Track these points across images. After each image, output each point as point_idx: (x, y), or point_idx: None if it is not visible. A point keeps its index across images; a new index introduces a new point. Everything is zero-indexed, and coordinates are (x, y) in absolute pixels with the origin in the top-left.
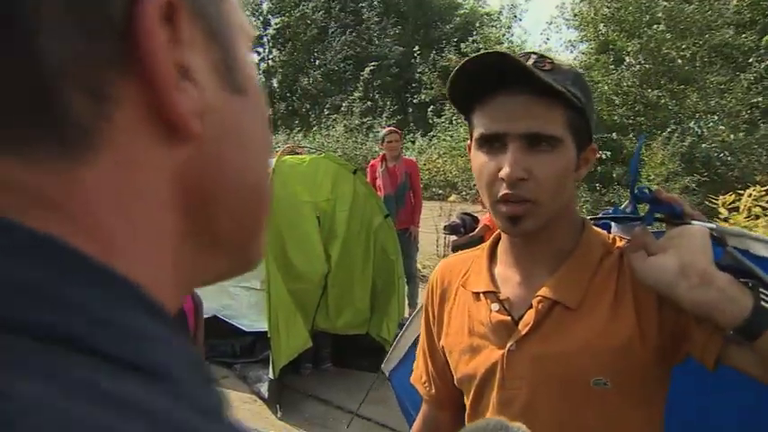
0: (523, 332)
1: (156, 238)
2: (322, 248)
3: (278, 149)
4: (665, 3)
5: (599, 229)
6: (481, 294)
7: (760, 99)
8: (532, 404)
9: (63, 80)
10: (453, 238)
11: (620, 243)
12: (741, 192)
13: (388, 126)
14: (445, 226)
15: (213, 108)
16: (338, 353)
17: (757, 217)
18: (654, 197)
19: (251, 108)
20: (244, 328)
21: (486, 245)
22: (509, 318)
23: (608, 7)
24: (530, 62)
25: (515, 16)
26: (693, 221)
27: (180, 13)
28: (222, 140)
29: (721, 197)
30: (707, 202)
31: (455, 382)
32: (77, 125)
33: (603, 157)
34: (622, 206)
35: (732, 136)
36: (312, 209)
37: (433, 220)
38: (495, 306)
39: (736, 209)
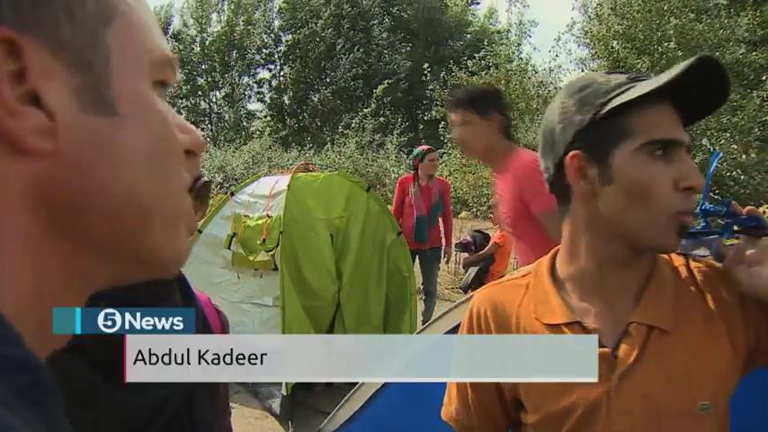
0: (629, 362)
1: (10, 241)
2: (334, 266)
3: (291, 167)
4: (676, 21)
5: None
6: (562, 326)
7: None
8: None
9: None
10: (465, 255)
11: (677, 259)
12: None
13: (402, 142)
14: (456, 243)
15: (71, 128)
16: None
17: None
18: (732, 210)
19: (127, 126)
20: None
21: (540, 270)
22: (606, 349)
23: (619, 24)
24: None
25: (525, 33)
26: None
27: (26, 50)
28: (84, 155)
29: None
30: (719, 220)
31: (532, 421)
32: None
33: None
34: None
35: (744, 156)
36: (325, 226)
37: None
38: None
39: None
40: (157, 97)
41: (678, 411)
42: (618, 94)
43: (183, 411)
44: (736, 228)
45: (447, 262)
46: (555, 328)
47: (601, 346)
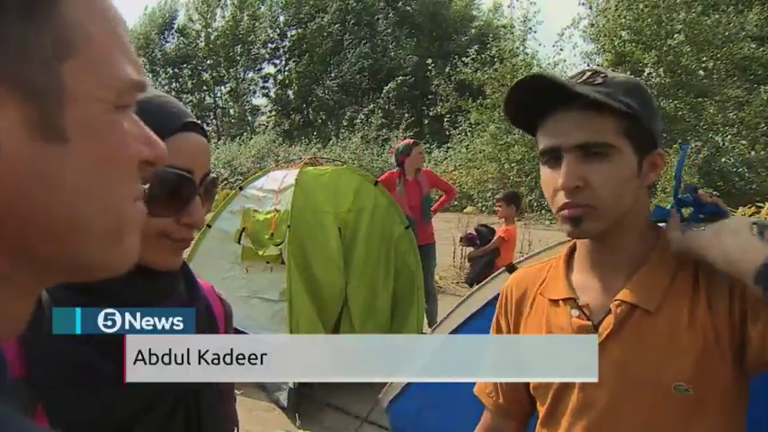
0: (604, 336)
1: None
2: (341, 260)
3: (298, 160)
4: (684, 15)
5: None
6: (560, 301)
7: None
8: (612, 408)
9: None
10: (470, 249)
11: None
12: (761, 204)
13: (406, 138)
14: (461, 238)
15: (18, 156)
16: None
17: None
18: (697, 199)
19: (76, 152)
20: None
21: (561, 253)
22: (589, 323)
23: (626, 18)
24: (583, 78)
25: (530, 29)
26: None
27: None
28: (27, 181)
29: (741, 209)
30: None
31: (531, 389)
32: None
33: None
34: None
35: (753, 152)
36: (333, 220)
37: (449, 231)
38: (575, 312)
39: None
40: (118, 118)
41: (650, 387)
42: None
43: (189, 394)
44: (701, 215)
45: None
46: (555, 303)
47: (587, 319)
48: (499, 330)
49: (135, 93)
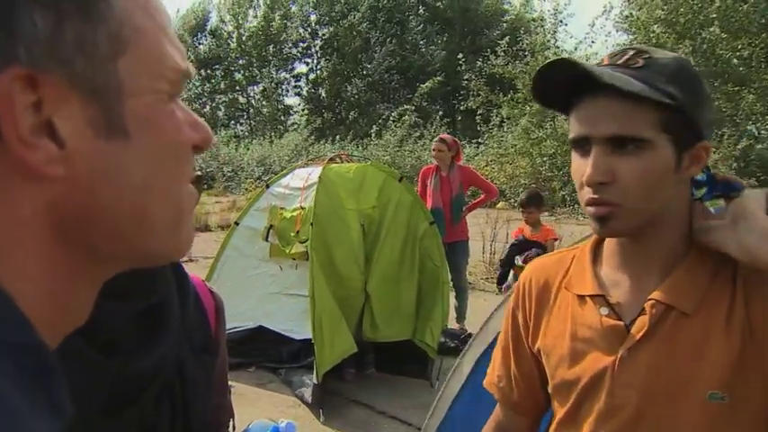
0: (637, 338)
1: (25, 250)
2: (363, 256)
3: (324, 157)
4: (719, 3)
5: None
6: (587, 297)
7: None
8: (642, 415)
9: None
10: (506, 245)
11: None
12: None
13: (440, 133)
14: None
15: (82, 154)
16: (381, 358)
17: None
18: (711, 178)
19: (137, 147)
20: (293, 336)
21: (586, 245)
22: (620, 323)
23: (663, 9)
24: (623, 59)
25: (561, 21)
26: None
27: (41, 83)
28: (92, 178)
29: None
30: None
31: (549, 388)
32: None
33: None
34: None
35: None
36: (356, 216)
37: (479, 227)
38: (605, 310)
39: None
40: (172, 107)
41: (683, 394)
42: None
43: (176, 383)
44: (715, 195)
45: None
46: (582, 300)
47: (619, 319)
48: (515, 324)
49: (184, 81)
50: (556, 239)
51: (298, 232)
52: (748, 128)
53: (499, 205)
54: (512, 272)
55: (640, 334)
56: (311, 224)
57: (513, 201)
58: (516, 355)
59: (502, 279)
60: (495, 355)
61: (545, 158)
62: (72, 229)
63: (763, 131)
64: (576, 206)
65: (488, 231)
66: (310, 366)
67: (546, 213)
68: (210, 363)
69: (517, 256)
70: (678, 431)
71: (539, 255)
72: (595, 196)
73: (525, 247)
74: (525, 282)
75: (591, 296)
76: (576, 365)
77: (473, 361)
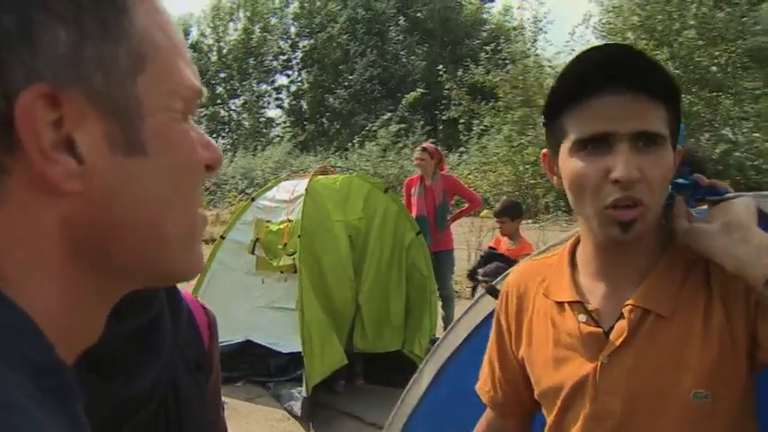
0: (617, 344)
1: (41, 267)
2: (352, 267)
3: (310, 170)
4: (696, 10)
5: None
6: (566, 304)
7: None
8: (628, 420)
9: None
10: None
11: None
12: None
13: (423, 143)
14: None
15: (100, 170)
16: (370, 369)
17: None
18: (695, 182)
19: (154, 164)
20: (281, 350)
21: (563, 251)
22: (599, 329)
23: (638, 15)
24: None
25: (541, 29)
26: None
27: (63, 101)
28: (110, 194)
29: None
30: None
31: (536, 395)
32: None
33: None
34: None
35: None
36: (343, 228)
37: (464, 236)
38: (583, 317)
39: None
40: (186, 126)
41: (666, 396)
42: (555, 100)
43: (170, 402)
44: (698, 198)
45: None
46: (560, 306)
47: (597, 325)
48: (499, 328)
49: (197, 100)
50: (528, 254)
51: (285, 245)
52: (725, 132)
53: (483, 213)
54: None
55: (620, 340)
56: (299, 236)
57: None
58: (500, 361)
59: (474, 292)
60: (484, 360)
61: (528, 166)
62: (87, 245)
63: (740, 136)
64: (559, 213)
65: (473, 240)
66: (299, 379)
67: (530, 221)
68: (204, 380)
69: (479, 270)
70: (666, 430)
71: (499, 270)
72: (625, 194)
73: (491, 260)
74: (508, 289)
75: (569, 303)
76: (558, 372)
77: (433, 372)
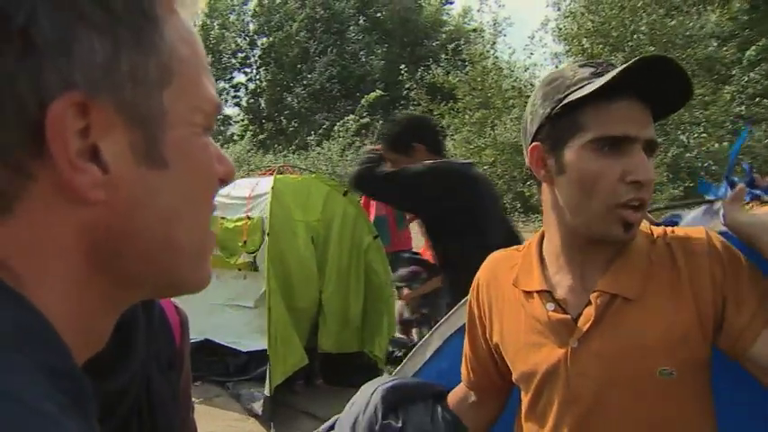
0: (585, 329)
1: (61, 273)
2: (315, 267)
3: (268, 168)
4: (648, 17)
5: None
6: (534, 293)
7: (743, 109)
8: (600, 400)
9: None
10: (407, 291)
11: (656, 230)
12: None
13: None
14: (396, 277)
15: (123, 180)
16: (329, 369)
17: None
18: (752, 179)
19: (173, 177)
20: (240, 349)
21: (529, 246)
22: (567, 316)
23: (592, 21)
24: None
25: (500, 32)
26: None
27: (94, 108)
28: (129, 204)
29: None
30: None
31: (513, 378)
32: (1, 195)
33: None
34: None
35: (717, 145)
36: (304, 228)
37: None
38: (551, 305)
39: None
40: (206, 140)
41: (634, 375)
42: (574, 91)
43: (143, 400)
44: (753, 196)
45: None
46: (529, 295)
47: (565, 313)
48: (471, 315)
49: (216, 114)
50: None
51: (245, 242)
52: (679, 136)
53: None
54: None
55: (587, 325)
56: (268, 234)
57: None
58: (471, 345)
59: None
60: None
61: (485, 167)
62: (103, 252)
63: (691, 140)
64: (516, 213)
65: None
66: (258, 379)
67: None
68: (176, 378)
69: (393, 273)
70: (636, 410)
71: (413, 274)
72: (638, 195)
73: (409, 264)
74: (480, 277)
75: (537, 292)
76: (531, 358)
77: (438, 344)
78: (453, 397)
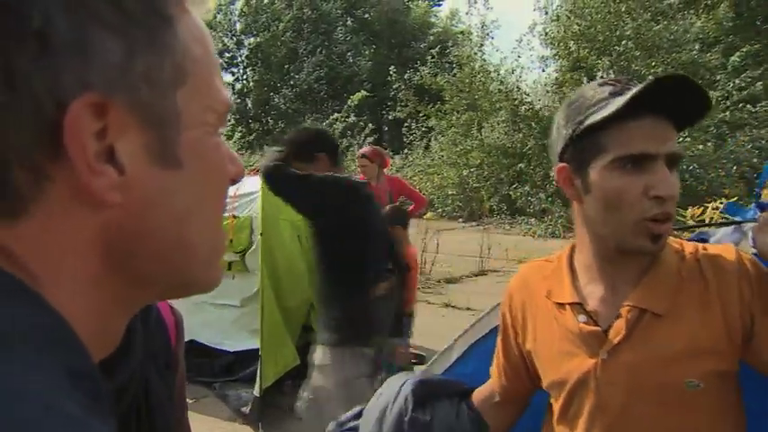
0: (615, 341)
1: (76, 273)
2: (305, 266)
3: (253, 168)
4: (633, 22)
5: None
6: (567, 305)
7: (727, 114)
8: (627, 409)
9: (8, 161)
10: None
11: (688, 246)
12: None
13: (367, 146)
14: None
15: (138, 181)
16: None
17: None
18: None
19: (187, 178)
20: (227, 349)
21: (561, 258)
22: (598, 328)
23: (578, 25)
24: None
25: (488, 35)
26: None
27: (111, 109)
28: (143, 205)
29: (690, 209)
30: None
31: (544, 385)
32: (19, 196)
33: None
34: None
35: (701, 147)
36: (291, 227)
37: (410, 237)
38: (582, 317)
39: (704, 221)
40: (218, 140)
41: (661, 386)
42: (593, 113)
43: (141, 400)
44: None
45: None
46: (561, 306)
47: (596, 325)
48: (504, 323)
49: (227, 114)
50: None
51: (231, 241)
52: None
53: (428, 216)
54: None
55: (618, 338)
56: (261, 234)
57: (441, 211)
58: (504, 351)
59: None
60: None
61: (472, 169)
62: (117, 253)
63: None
64: (503, 216)
65: (418, 242)
66: (246, 379)
67: (474, 223)
68: (172, 378)
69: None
70: (663, 420)
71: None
72: (664, 210)
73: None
74: (513, 287)
75: (569, 304)
76: (563, 367)
77: (463, 348)
78: (478, 395)
